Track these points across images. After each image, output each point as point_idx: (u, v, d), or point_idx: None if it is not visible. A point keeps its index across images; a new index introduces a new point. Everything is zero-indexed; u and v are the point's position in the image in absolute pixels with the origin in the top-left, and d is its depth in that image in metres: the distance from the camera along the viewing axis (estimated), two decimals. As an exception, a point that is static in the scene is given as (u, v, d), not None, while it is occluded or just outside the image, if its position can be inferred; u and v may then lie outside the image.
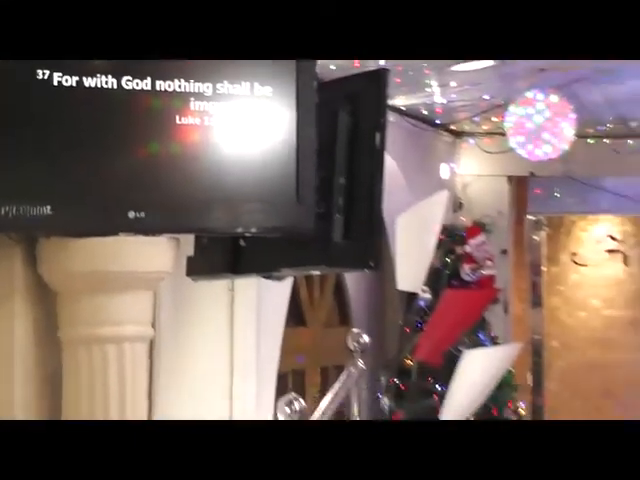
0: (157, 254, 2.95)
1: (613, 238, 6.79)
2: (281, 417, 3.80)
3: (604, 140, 6.43)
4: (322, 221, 2.93)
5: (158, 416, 3.66)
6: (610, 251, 6.82)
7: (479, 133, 6.51)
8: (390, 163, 5.24)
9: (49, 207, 2.49)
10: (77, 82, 2.56)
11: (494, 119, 5.90)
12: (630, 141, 6.34)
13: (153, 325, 3.20)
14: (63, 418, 3.01)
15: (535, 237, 6.91)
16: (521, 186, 6.88)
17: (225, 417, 3.96)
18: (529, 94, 5.25)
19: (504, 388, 5.90)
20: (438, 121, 6.19)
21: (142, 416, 3.13)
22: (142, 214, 2.57)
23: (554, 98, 5.21)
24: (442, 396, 5.27)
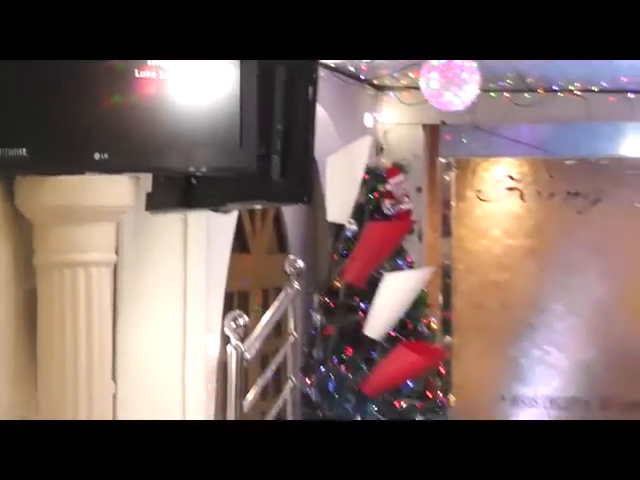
0: (119, 191, 2.94)
1: (512, 178, 6.82)
2: (228, 331, 3.81)
3: (504, 94, 6.45)
4: (262, 162, 2.96)
5: (121, 329, 3.66)
6: (509, 189, 6.85)
7: (398, 87, 6.51)
8: (321, 113, 5.22)
9: (24, 150, 2.48)
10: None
11: (411, 75, 5.90)
12: (526, 95, 6.37)
13: (116, 252, 3.20)
14: (38, 333, 2.99)
15: (446, 177, 6.94)
16: (434, 133, 6.90)
17: (179, 330, 3.96)
18: (441, 54, 5.25)
19: (418, 305, 5.94)
20: (363, 77, 6.18)
21: (107, 331, 3.12)
22: (106, 156, 2.57)
23: (462, 58, 5.21)
24: (366, 312, 5.30)
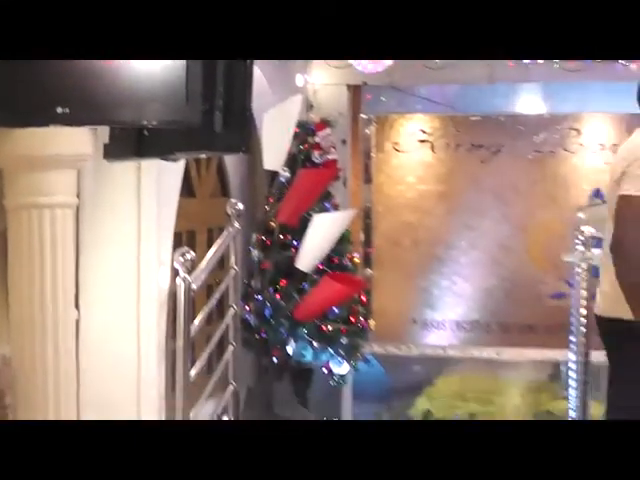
0: (79, 141, 2.96)
1: (424, 132, 6.83)
2: (177, 265, 3.80)
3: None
4: (206, 116, 2.98)
5: (82, 263, 3.64)
6: (421, 141, 6.86)
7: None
8: (258, 74, 5.19)
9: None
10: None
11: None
12: (437, 61, 6.38)
13: (78, 196, 3.19)
14: (9, 267, 2.99)
15: (367, 131, 6.93)
16: (356, 93, 6.91)
17: (134, 264, 3.94)
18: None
19: (343, 242, 5.97)
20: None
21: (70, 265, 3.10)
22: (67, 110, 2.56)
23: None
24: (297, 249, 5.30)
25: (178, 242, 4.63)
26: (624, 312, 3.70)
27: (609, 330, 3.89)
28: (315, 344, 5.99)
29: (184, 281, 3.85)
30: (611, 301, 3.81)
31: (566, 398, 5.20)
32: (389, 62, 5.99)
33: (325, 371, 6.22)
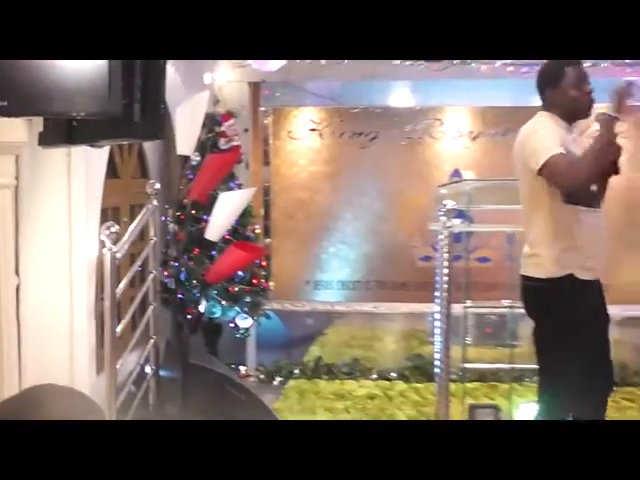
0: (17, 130, 2.90)
1: (313, 121, 6.85)
2: (103, 237, 3.76)
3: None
4: (126, 108, 2.95)
5: (21, 236, 3.56)
6: (311, 130, 6.88)
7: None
8: (172, 72, 5.14)
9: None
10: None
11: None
12: (323, 62, 6.41)
13: (17, 178, 3.13)
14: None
15: (265, 121, 6.92)
16: (256, 88, 6.87)
17: (66, 237, 3.88)
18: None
19: (246, 216, 5.97)
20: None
21: (11, 237, 3.04)
22: (6, 103, 2.51)
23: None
24: (207, 222, 5.28)
25: (104, 217, 4.57)
26: (533, 271, 3.78)
27: (524, 286, 3.93)
28: (223, 303, 5.99)
29: (110, 251, 3.81)
30: (525, 262, 3.85)
31: (432, 343, 5.29)
32: (283, 62, 5.99)
33: (232, 325, 6.23)
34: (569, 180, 3.55)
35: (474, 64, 6.48)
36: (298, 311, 7.11)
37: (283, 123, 7.03)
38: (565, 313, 3.70)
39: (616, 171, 3.72)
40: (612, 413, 5.84)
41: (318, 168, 7.01)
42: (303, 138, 7.01)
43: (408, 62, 6.36)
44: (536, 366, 6.31)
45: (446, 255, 4.88)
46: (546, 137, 3.65)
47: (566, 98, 3.69)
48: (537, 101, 7.05)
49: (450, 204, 4.83)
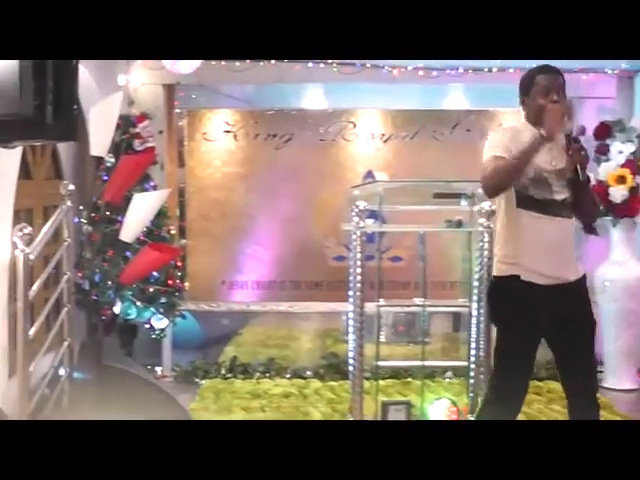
0: None
1: (228, 123, 6.87)
2: (16, 239, 3.71)
3: (221, 62, 6.47)
4: (38, 109, 2.92)
5: None
6: (226, 131, 6.90)
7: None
8: (84, 72, 5.08)
9: None
10: None
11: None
12: (237, 63, 6.41)
13: None
14: None
15: (180, 123, 6.91)
16: (170, 91, 6.85)
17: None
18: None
19: (161, 217, 5.94)
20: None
21: None
22: None
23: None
24: (121, 223, 5.23)
25: (17, 219, 4.50)
26: (497, 271, 3.85)
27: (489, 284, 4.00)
28: (139, 304, 5.94)
29: (22, 253, 3.76)
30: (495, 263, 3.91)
31: (346, 342, 5.35)
32: (198, 64, 5.98)
33: (148, 326, 6.18)
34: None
35: (386, 68, 6.57)
36: (214, 311, 7.11)
37: (198, 125, 7.02)
38: (506, 312, 3.80)
39: (581, 181, 3.71)
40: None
41: (233, 169, 7.02)
42: (218, 140, 7.00)
43: (321, 65, 6.43)
44: (446, 363, 6.51)
45: (359, 255, 4.94)
46: (494, 139, 3.75)
47: (535, 106, 3.72)
48: (446, 104, 7.24)
49: (362, 205, 4.89)
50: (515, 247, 3.75)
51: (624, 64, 6.56)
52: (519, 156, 3.60)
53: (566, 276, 3.76)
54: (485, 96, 7.02)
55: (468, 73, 6.65)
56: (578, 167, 3.66)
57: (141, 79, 6.65)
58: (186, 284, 6.83)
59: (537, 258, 3.70)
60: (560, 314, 3.74)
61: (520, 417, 5.62)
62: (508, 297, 3.80)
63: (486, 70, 6.63)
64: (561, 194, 3.72)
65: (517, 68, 6.51)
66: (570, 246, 3.79)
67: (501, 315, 3.84)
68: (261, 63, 6.45)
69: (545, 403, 5.95)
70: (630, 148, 6.26)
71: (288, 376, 6.72)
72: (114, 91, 5.39)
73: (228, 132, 6.99)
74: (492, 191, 3.71)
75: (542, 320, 3.72)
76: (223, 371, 6.78)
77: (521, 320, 3.72)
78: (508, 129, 3.87)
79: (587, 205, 3.84)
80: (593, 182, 3.75)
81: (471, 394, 5.14)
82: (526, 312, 3.72)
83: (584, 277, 3.88)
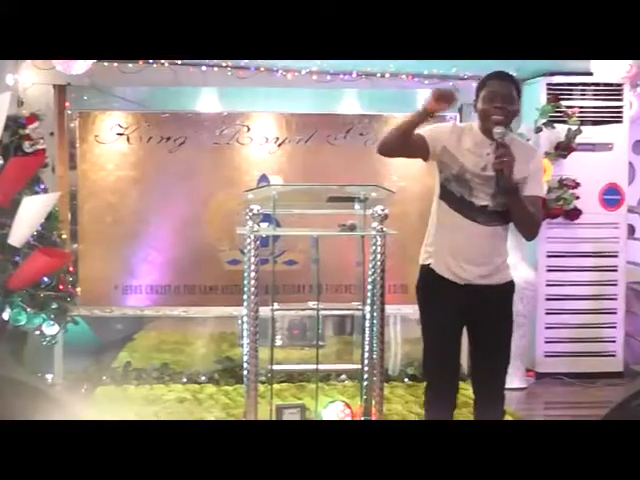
0: None
1: (120, 126, 6.76)
2: None
3: (114, 63, 6.39)
4: None
5: None
6: (119, 134, 6.81)
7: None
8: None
9: None
10: None
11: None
12: (130, 65, 6.33)
13: None
14: None
15: (72, 125, 6.77)
16: (61, 92, 6.72)
17: None
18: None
19: (52, 221, 5.83)
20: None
21: None
22: None
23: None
24: (10, 227, 5.10)
25: None
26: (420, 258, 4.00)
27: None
28: (29, 310, 5.79)
29: None
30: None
31: (241, 346, 5.34)
32: (89, 65, 5.87)
33: (38, 333, 6.03)
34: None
35: (280, 72, 6.59)
36: (107, 317, 6.99)
37: (90, 127, 6.89)
38: (422, 300, 4.00)
39: (500, 187, 3.74)
40: (412, 406, 6.09)
41: (126, 172, 6.92)
42: (110, 142, 6.89)
43: (215, 68, 6.41)
44: (340, 366, 6.56)
45: (253, 259, 4.93)
46: (434, 126, 3.89)
47: (480, 110, 3.82)
48: (340, 109, 7.31)
49: (256, 208, 4.89)
50: (432, 237, 3.93)
51: (512, 72, 6.73)
52: (406, 120, 3.77)
53: (471, 279, 3.85)
54: (378, 101, 7.11)
55: (362, 78, 6.73)
56: (497, 175, 3.72)
57: (31, 79, 6.50)
58: (78, 289, 6.70)
59: (446, 252, 3.85)
60: (463, 313, 3.87)
61: (412, 418, 5.71)
62: (423, 285, 3.98)
63: (379, 75, 6.72)
64: (482, 200, 3.78)
65: (409, 74, 6.64)
66: (483, 252, 3.84)
67: (419, 302, 4.01)
68: (154, 65, 6.39)
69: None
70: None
71: (183, 381, 6.66)
72: (2, 91, 5.26)
73: (121, 135, 6.88)
74: (380, 147, 3.86)
75: (451, 313, 3.85)
76: (117, 377, 6.67)
77: (433, 308, 3.90)
78: (456, 125, 3.99)
79: (517, 217, 3.83)
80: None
81: (365, 396, 5.19)
82: (436, 302, 3.89)
83: (505, 285, 3.96)
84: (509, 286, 3.96)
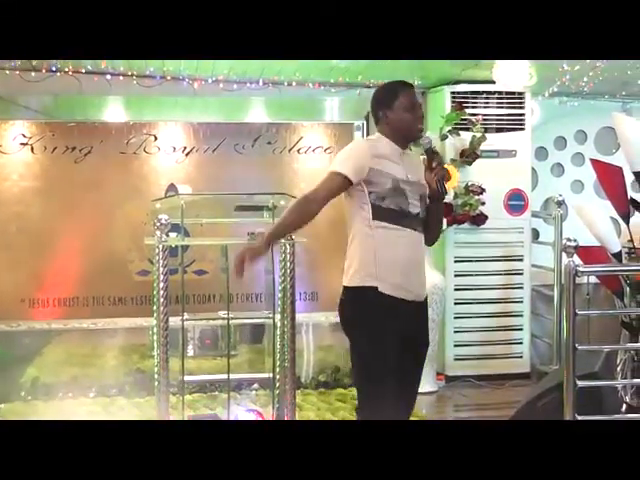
0: None
1: (24, 136, 6.61)
2: None
3: (16, 72, 6.20)
4: None
5: None
6: (22, 144, 6.61)
7: None
8: None
9: None
10: None
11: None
12: (33, 73, 6.15)
13: None
14: None
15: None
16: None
17: None
18: None
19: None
20: None
21: None
22: None
23: None
24: None
25: None
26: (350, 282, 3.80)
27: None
28: None
29: None
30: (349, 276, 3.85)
31: (153, 357, 5.21)
32: None
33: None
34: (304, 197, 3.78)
35: (187, 80, 6.49)
36: (13, 331, 6.75)
37: (-9, 137, 6.65)
38: (362, 323, 3.74)
39: (441, 193, 3.83)
40: (324, 413, 6.07)
41: (31, 183, 6.72)
42: (14, 152, 6.68)
43: (121, 77, 6.27)
44: (252, 375, 6.49)
45: (163, 269, 4.81)
46: (348, 152, 3.79)
47: (398, 119, 3.77)
48: (249, 117, 7.24)
49: (164, 218, 4.77)
50: (372, 259, 3.72)
51: (417, 81, 6.78)
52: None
53: (419, 292, 3.81)
54: (285, 109, 7.07)
55: (269, 86, 6.68)
56: (438, 181, 3.77)
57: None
58: (-20, 303, 6.47)
59: (393, 270, 3.71)
60: (408, 330, 3.75)
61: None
62: (365, 308, 3.74)
63: (286, 84, 6.68)
64: (416, 208, 3.78)
65: (316, 82, 6.62)
66: (421, 260, 3.84)
67: (357, 326, 3.76)
68: (58, 74, 6.22)
69: (350, 410, 6.02)
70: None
71: (92, 395, 6.48)
72: None
73: (25, 144, 6.68)
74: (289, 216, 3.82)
75: (399, 334, 3.71)
76: (24, 393, 6.46)
77: (380, 331, 3.67)
78: (367, 141, 3.94)
79: (435, 222, 3.95)
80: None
81: (277, 404, 5.13)
82: (384, 323, 3.68)
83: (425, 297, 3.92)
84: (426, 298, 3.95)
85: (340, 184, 3.70)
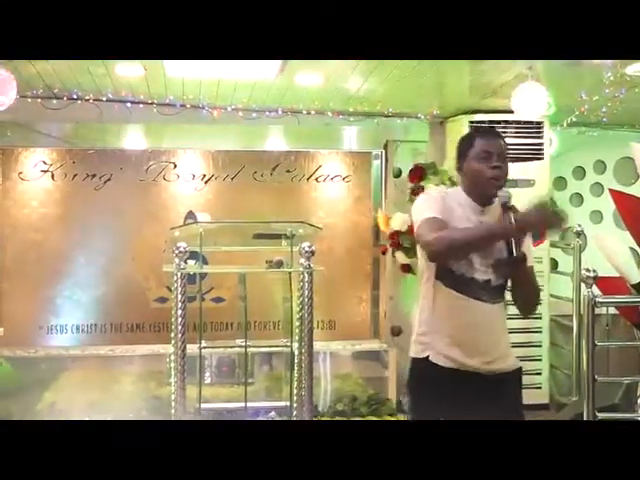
0: None
1: (45, 163, 6.68)
2: None
3: (38, 100, 6.25)
4: None
5: None
6: (43, 171, 6.69)
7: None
8: None
9: None
10: None
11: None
12: (54, 101, 6.21)
13: None
14: None
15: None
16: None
17: None
18: None
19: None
20: None
21: None
22: None
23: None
24: None
25: None
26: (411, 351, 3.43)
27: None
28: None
29: None
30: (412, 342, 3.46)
31: (170, 384, 5.19)
32: (11, 101, 5.72)
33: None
34: (430, 245, 3.16)
35: (206, 109, 6.52)
36: (31, 357, 6.76)
37: (13, 164, 6.74)
38: (414, 395, 3.45)
39: (512, 257, 3.30)
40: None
41: (50, 210, 6.76)
42: (34, 179, 6.73)
43: (141, 105, 6.30)
44: (269, 403, 6.46)
45: (181, 296, 4.82)
46: (424, 202, 3.31)
47: (470, 170, 3.32)
48: (268, 145, 7.26)
49: (183, 246, 4.79)
50: (429, 324, 3.34)
51: (436, 110, 6.79)
52: (484, 231, 3.22)
53: (479, 366, 3.32)
54: (304, 138, 7.09)
55: (287, 114, 6.70)
56: (513, 242, 3.28)
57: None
58: (0, 329, 6.48)
59: (448, 339, 3.29)
60: (476, 408, 3.25)
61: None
62: (418, 381, 3.40)
63: (305, 112, 6.70)
64: (484, 274, 3.30)
65: (334, 111, 6.63)
66: (490, 333, 3.38)
67: (413, 399, 3.47)
68: (79, 101, 6.27)
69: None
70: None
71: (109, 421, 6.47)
72: None
73: (45, 172, 6.73)
74: (444, 250, 3.14)
75: (447, 405, 3.27)
76: (42, 418, 6.45)
77: (430, 407, 3.32)
78: (440, 191, 3.43)
79: (526, 289, 3.44)
80: (417, 224, 3.26)
81: (294, 433, 5.09)
82: (436, 396, 3.31)
83: (516, 370, 3.47)
84: (519, 373, 3.47)
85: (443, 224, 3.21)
